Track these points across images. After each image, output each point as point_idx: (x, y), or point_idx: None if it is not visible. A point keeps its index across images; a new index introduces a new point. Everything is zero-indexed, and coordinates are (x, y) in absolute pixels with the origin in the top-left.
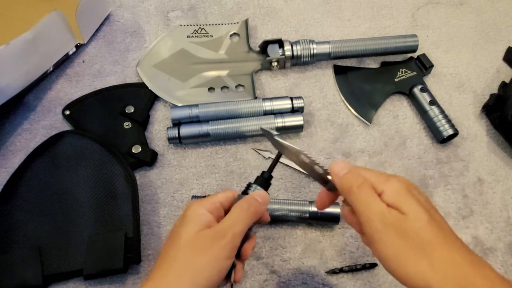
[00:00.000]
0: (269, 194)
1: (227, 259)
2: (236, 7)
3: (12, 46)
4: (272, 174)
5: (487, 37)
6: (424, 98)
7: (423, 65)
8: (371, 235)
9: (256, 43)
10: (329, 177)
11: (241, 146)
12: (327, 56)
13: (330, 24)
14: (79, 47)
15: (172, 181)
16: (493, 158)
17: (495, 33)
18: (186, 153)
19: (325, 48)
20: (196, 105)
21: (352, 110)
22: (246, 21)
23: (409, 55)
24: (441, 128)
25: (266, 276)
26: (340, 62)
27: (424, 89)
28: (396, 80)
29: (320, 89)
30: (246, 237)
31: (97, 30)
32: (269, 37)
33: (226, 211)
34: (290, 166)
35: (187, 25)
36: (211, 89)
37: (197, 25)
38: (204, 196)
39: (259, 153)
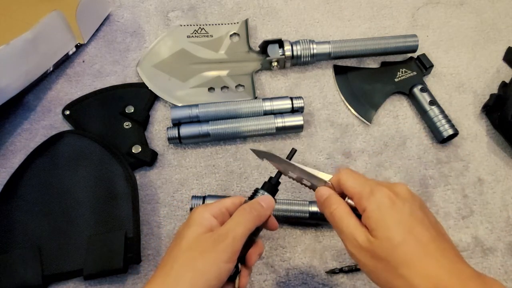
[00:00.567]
0: (276, 200)
1: (227, 263)
2: (236, 7)
3: (12, 46)
4: (273, 175)
5: (487, 37)
6: (424, 98)
7: (423, 65)
8: (350, 255)
9: (256, 43)
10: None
11: (241, 146)
12: (327, 56)
13: (330, 24)
14: (79, 47)
15: (172, 181)
16: (493, 158)
17: (495, 33)
18: (186, 153)
19: (325, 48)
20: (196, 105)
21: (352, 110)
22: (246, 21)
23: (409, 55)
24: (441, 128)
25: (266, 276)
26: (340, 62)
27: (424, 89)
28: (396, 80)
29: (320, 89)
30: (252, 243)
31: (97, 30)
32: (269, 37)
33: None
34: None
35: (187, 25)
36: (211, 89)
37: (197, 25)
38: (205, 197)
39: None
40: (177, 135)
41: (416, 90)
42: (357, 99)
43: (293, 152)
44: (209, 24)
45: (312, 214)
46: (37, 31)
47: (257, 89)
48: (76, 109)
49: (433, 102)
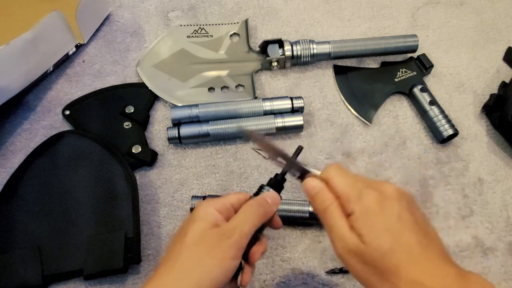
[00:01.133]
0: (281, 197)
1: (233, 259)
2: (236, 7)
3: (12, 46)
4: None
5: (487, 37)
6: (424, 98)
7: (423, 65)
8: (337, 256)
9: (256, 43)
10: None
11: (241, 146)
12: (327, 56)
13: (330, 24)
14: (79, 47)
15: (172, 181)
16: (493, 158)
17: (495, 33)
18: (186, 153)
19: (325, 48)
20: (196, 105)
21: (352, 110)
22: (246, 21)
23: (409, 55)
24: (441, 128)
25: (266, 276)
26: (340, 62)
27: (424, 89)
28: (396, 80)
29: (320, 89)
30: (256, 239)
31: (97, 30)
32: (269, 37)
33: None
34: None
35: (187, 25)
36: (211, 89)
37: (197, 25)
38: (204, 197)
39: (259, 153)
40: (177, 135)
41: (416, 90)
42: (357, 99)
43: (299, 149)
44: (209, 24)
45: (312, 214)
46: (37, 31)
47: (257, 89)
48: (76, 109)
49: (433, 102)
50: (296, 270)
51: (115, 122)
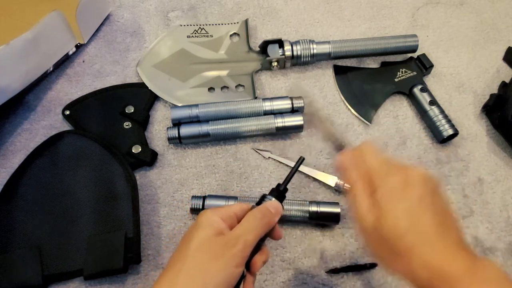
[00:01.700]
0: (283, 206)
1: (237, 267)
2: (236, 7)
3: (12, 46)
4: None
5: (487, 37)
6: (424, 98)
7: (423, 65)
8: (358, 231)
9: (256, 43)
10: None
11: (241, 146)
12: (327, 56)
13: (330, 24)
14: (79, 47)
15: (172, 181)
16: (493, 158)
17: (495, 33)
18: (186, 153)
19: (325, 48)
20: (196, 105)
21: (352, 110)
22: (246, 21)
23: (409, 55)
24: (441, 128)
25: (266, 276)
26: (340, 62)
27: (424, 89)
28: (396, 80)
29: (320, 89)
30: (258, 248)
31: (97, 30)
32: (269, 37)
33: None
34: (290, 166)
35: (187, 25)
36: (211, 89)
37: (197, 25)
38: (204, 197)
39: (259, 153)
40: (177, 135)
41: (416, 90)
42: (357, 99)
43: (300, 160)
44: (209, 24)
45: (312, 214)
46: (37, 31)
47: (257, 89)
48: (76, 109)
49: (433, 102)
50: (296, 270)
51: (115, 122)
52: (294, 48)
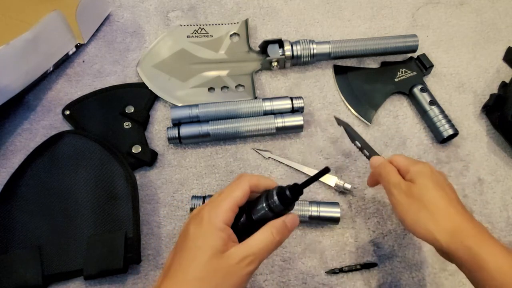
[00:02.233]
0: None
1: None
2: (236, 7)
3: (12, 46)
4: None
5: (487, 37)
6: (424, 98)
7: (423, 65)
8: (391, 201)
9: (256, 43)
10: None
11: (241, 146)
12: (327, 56)
13: (330, 24)
14: (79, 47)
15: (172, 181)
16: (493, 158)
17: (495, 33)
18: (186, 153)
19: (325, 48)
20: (196, 105)
21: (352, 110)
22: (246, 21)
23: (409, 55)
24: (441, 128)
25: (266, 276)
26: (340, 62)
27: (424, 89)
28: (396, 80)
29: (320, 89)
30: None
31: (97, 30)
32: (269, 37)
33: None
34: (290, 167)
35: (187, 25)
36: (211, 89)
37: (197, 25)
38: (204, 197)
39: (259, 153)
40: (177, 135)
41: (416, 90)
42: (357, 99)
43: (326, 171)
44: (209, 24)
45: (312, 214)
46: (37, 31)
47: (257, 89)
48: (76, 109)
49: (433, 102)
50: (296, 270)
51: (115, 122)
52: (294, 48)
